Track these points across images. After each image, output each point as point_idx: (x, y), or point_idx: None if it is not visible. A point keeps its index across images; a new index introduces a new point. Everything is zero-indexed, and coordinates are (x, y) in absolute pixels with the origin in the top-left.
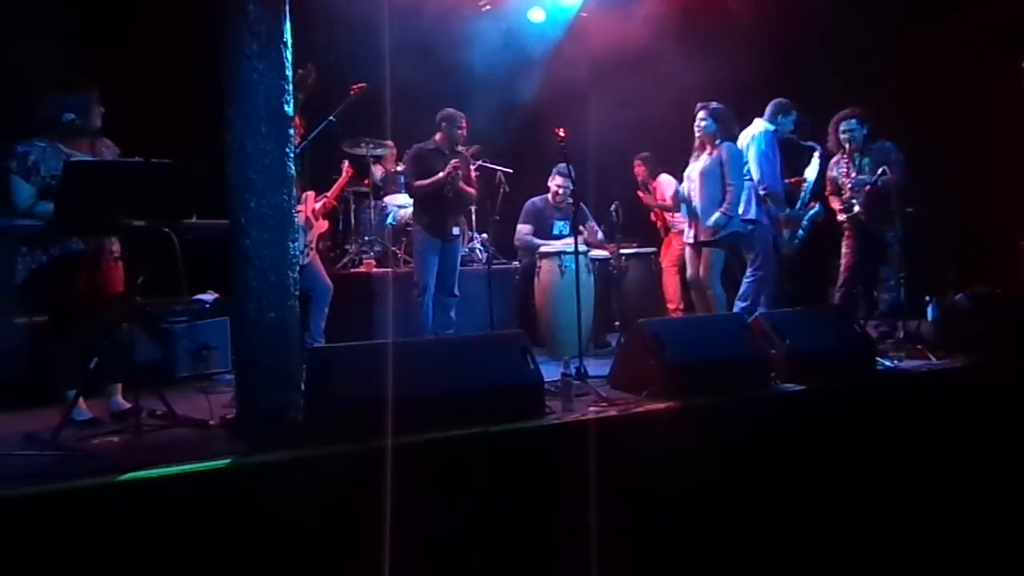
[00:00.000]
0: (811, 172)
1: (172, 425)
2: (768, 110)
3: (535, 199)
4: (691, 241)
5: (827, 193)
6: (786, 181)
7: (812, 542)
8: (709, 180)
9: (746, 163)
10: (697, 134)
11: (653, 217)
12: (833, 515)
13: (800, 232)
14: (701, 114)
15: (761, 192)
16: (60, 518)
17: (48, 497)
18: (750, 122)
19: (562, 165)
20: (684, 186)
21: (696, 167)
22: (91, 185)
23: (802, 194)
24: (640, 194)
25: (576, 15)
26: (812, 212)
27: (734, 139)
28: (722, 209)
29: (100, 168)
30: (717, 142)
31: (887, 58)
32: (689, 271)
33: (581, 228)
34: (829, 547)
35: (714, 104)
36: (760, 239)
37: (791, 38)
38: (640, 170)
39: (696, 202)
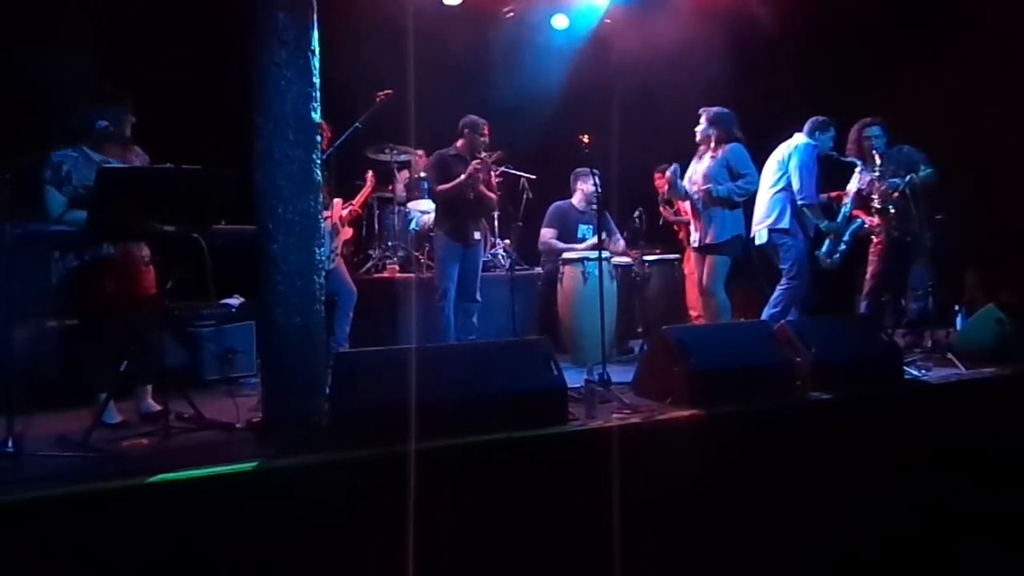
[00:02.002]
0: (852, 186)
1: (200, 428)
2: (807, 127)
3: (560, 203)
4: (696, 245)
5: (852, 211)
6: (828, 195)
7: (836, 553)
8: (712, 183)
9: (785, 173)
10: (697, 138)
11: (676, 226)
12: (858, 526)
13: (842, 247)
14: (702, 119)
15: (799, 202)
16: (90, 519)
17: (79, 498)
18: (779, 131)
19: (588, 169)
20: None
21: (699, 169)
22: (123, 191)
23: (843, 207)
24: (662, 209)
25: (600, 22)
26: (855, 226)
27: (737, 141)
28: (737, 183)
29: (132, 174)
30: (718, 143)
31: (912, 66)
32: (696, 276)
33: (605, 238)
34: (854, 558)
35: (715, 109)
36: (795, 249)
37: (817, 45)
38: (662, 182)
39: (699, 206)
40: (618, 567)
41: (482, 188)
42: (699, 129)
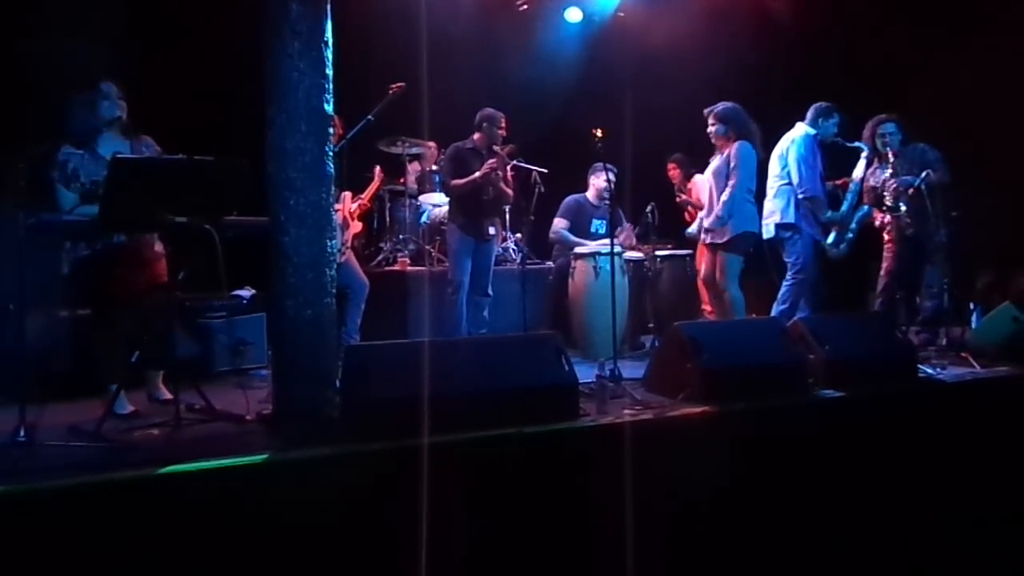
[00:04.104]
0: (858, 173)
1: (210, 419)
2: (809, 114)
3: (576, 195)
4: (707, 241)
5: (865, 204)
6: (833, 183)
7: (848, 551)
8: (719, 180)
9: (785, 167)
10: (712, 140)
11: (688, 218)
12: (871, 524)
13: (849, 235)
14: (710, 119)
15: (800, 196)
16: (101, 509)
17: (90, 488)
18: (787, 123)
19: (603, 164)
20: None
21: (709, 169)
22: (136, 181)
23: (848, 195)
24: (678, 199)
25: (613, 15)
26: (861, 213)
27: (750, 136)
28: (716, 211)
29: (145, 165)
30: (734, 139)
31: (926, 60)
32: (703, 270)
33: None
34: (864, 556)
35: (721, 106)
36: (801, 243)
37: (831, 39)
38: (675, 173)
39: (706, 203)
40: (630, 563)
41: (502, 185)
42: (712, 131)
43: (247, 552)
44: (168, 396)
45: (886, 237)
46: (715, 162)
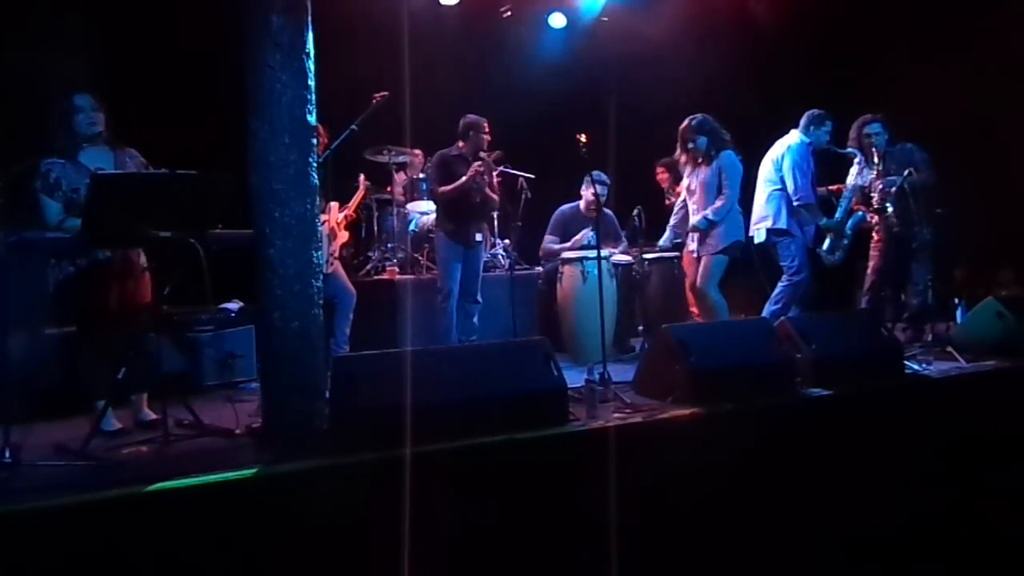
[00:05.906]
0: (851, 179)
1: (199, 434)
2: (802, 121)
3: (565, 207)
4: (697, 254)
5: (852, 205)
6: (827, 189)
7: (837, 551)
8: (709, 192)
9: (779, 172)
10: (697, 157)
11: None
12: (860, 523)
13: (844, 242)
14: (688, 135)
15: (795, 203)
16: (89, 529)
17: (78, 508)
18: (778, 126)
19: (599, 173)
20: (681, 198)
21: (695, 180)
22: (118, 197)
23: (842, 202)
24: (668, 202)
25: (596, 20)
26: (855, 219)
27: (728, 143)
28: (706, 212)
29: (127, 180)
30: (712, 153)
31: (911, 58)
32: (689, 279)
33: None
34: (854, 557)
35: (695, 119)
36: (794, 245)
37: (816, 39)
38: (664, 176)
39: (697, 215)
40: (619, 568)
41: (487, 190)
42: (692, 146)
43: (239, 568)
44: (154, 417)
45: (874, 236)
46: (701, 173)
